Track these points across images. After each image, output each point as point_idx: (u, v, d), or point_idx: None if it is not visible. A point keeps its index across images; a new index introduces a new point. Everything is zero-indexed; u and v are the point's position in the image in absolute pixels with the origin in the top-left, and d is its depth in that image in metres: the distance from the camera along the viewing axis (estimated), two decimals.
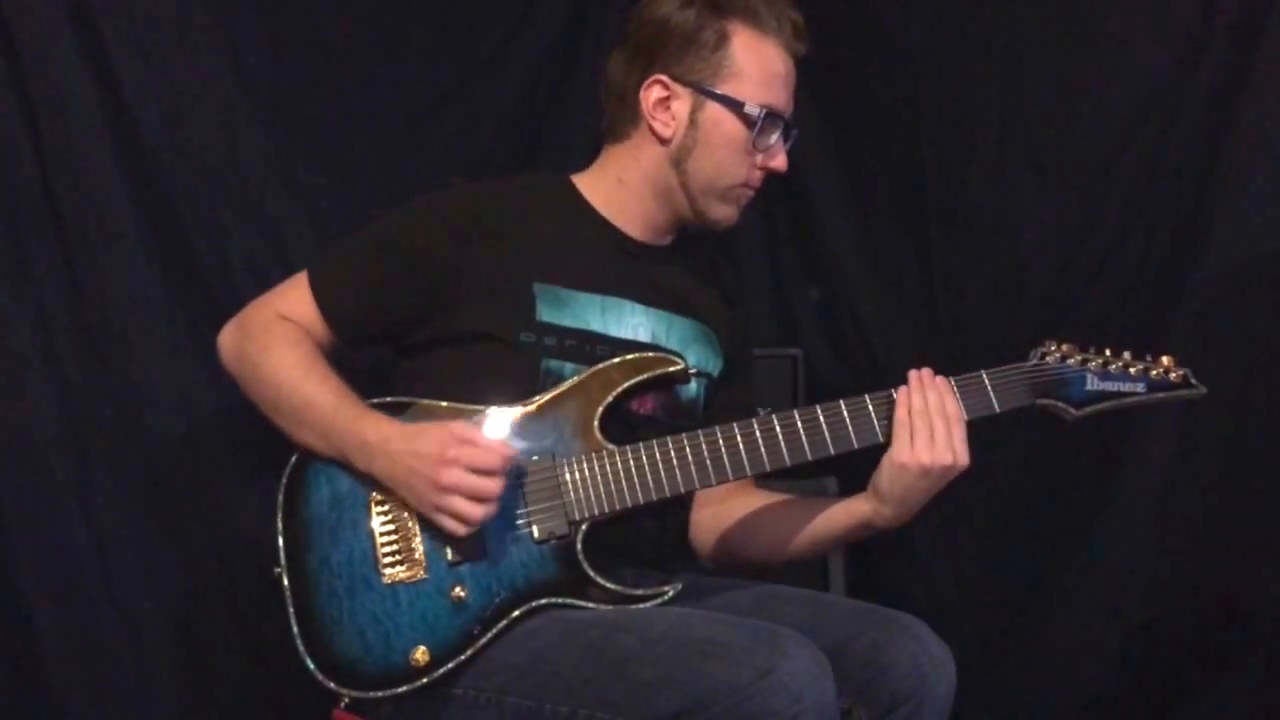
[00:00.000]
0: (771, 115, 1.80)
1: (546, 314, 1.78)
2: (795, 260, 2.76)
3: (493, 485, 1.63)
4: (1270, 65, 2.05)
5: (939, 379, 1.69)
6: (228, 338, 1.83)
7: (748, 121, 1.79)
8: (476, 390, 1.75)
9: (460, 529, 1.64)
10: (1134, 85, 2.22)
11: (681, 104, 1.81)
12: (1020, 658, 2.36)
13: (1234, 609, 2.15)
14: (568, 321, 1.79)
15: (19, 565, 2.04)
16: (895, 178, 2.58)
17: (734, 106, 1.79)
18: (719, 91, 1.79)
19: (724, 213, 1.86)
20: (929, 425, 1.66)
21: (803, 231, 2.73)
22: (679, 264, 1.92)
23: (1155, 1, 2.21)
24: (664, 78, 1.81)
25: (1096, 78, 2.27)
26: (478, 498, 1.62)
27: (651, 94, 1.82)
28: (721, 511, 1.91)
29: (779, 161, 1.84)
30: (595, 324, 1.80)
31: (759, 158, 1.82)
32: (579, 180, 1.91)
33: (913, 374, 1.70)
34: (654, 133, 1.83)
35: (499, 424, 1.72)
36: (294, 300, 1.82)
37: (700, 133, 1.81)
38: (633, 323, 1.84)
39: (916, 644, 1.64)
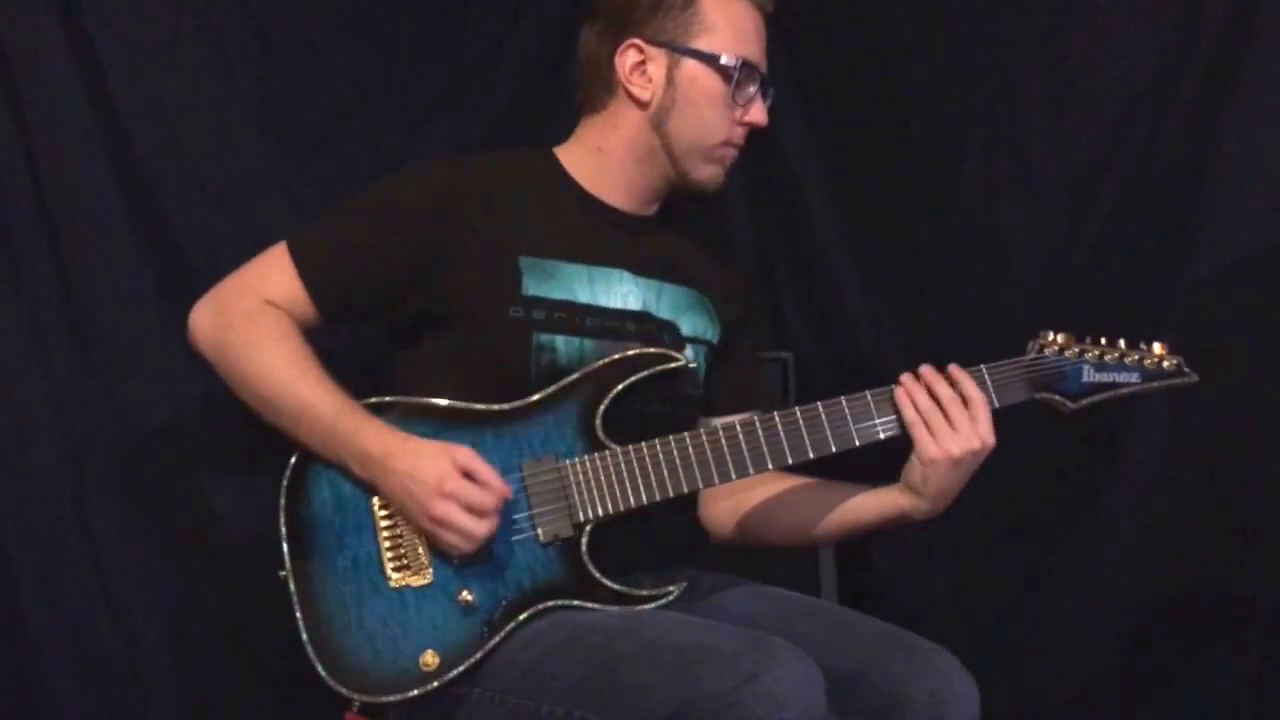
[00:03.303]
0: (747, 66, 1.81)
1: (533, 287, 1.78)
2: (785, 262, 2.76)
3: (480, 528, 1.63)
4: (1260, 63, 2.05)
5: (953, 368, 1.71)
6: (203, 320, 1.79)
7: (725, 74, 1.80)
8: (473, 375, 1.75)
9: (449, 552, 1.66)
10: (1124, 83, 2.22)
11: (657, 66, 1.82)
12: (1013, 658, 2.37)
13: (1229, 608, 2.16)
14: (556, 294, 1.79)
15: (14, 570, 2.03)
16: (885, 178, 2.58)
17: (710, 60, 1.80)
18: (693, 47, 1.80)
19: (709, 173, 1.86)
20: (946, 417, 1.67)
21: (792, 233, 2.73)
22: (666, 233, 1.92)
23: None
24: (638, 41, 1.82)
25: (1086, 75, 2.27)
26: (467, 537, 1.63)
27: (627, 59, 1.83)
28: (739, 491, 1.90)
29: (757, 114, 1.84)
30: (583, 295, 1.81)
31: (738, 113, 1.83)
32: (562, 153, 1.91)
33: (906, 376, 1.71)
34: (632, 97, 1.83)
35: (500, 428, 1.72)
36: (276, 278, 1.78)
37: (679, 91, 1.81)
38: (622, 291, 1.84)
39: (937, 679, 1.63)
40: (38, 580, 2.05)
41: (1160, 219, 2.20)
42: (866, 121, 2.60)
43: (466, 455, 1.65)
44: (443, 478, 1.62)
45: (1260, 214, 2.08)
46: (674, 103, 1.82)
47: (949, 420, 1.67)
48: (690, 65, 1.81)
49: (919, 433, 1.68)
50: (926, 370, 1.71)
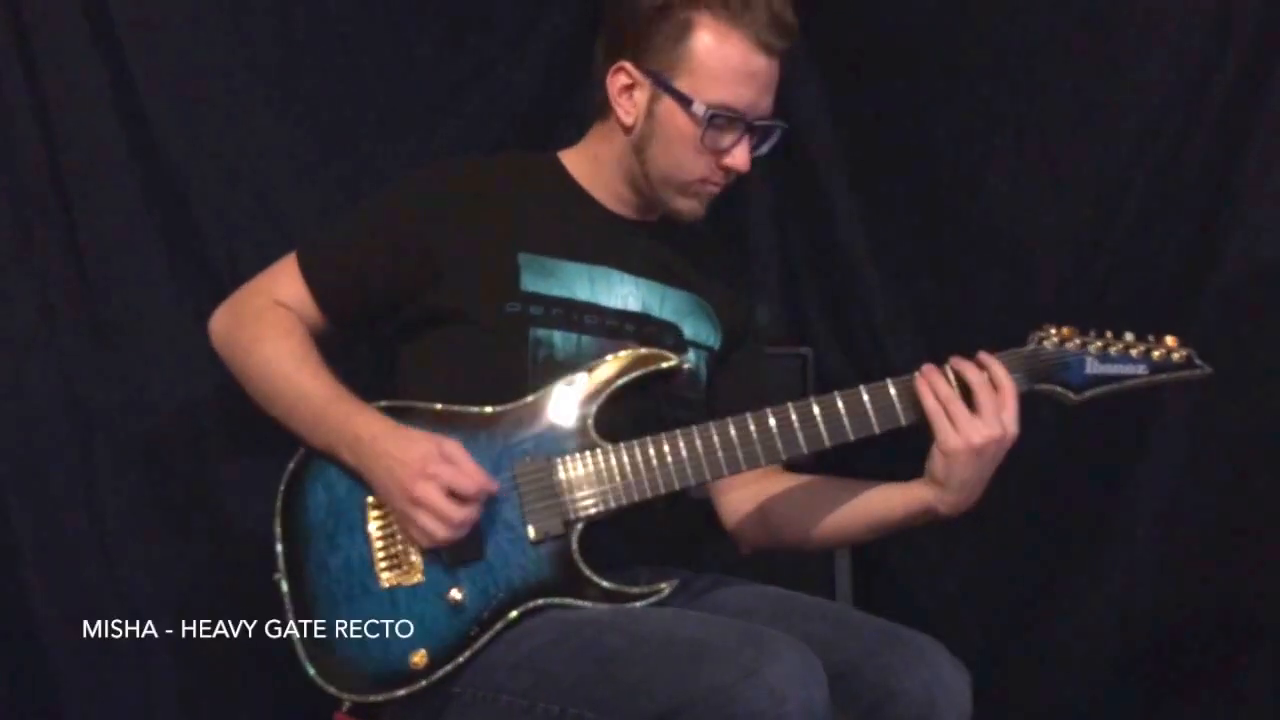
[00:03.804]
0: (721, 116, 1.74)
1: (531, 283, 1.78)
2: (806, 260, 2.75)
3: (458, 513, 1.62)
4: None
5: (983, 354, 1.68)
6: (220, 323, 1.84)
7: (695, 120, 1.75)
8: (471, 370, 1.76)
9: (423, 542, 1.65)
10: (1153, 86, 2.20)
11: (642, 93, 1.79)
12: (1027, 659, 2.34)
13: (1242, 611, 2.12)
14: (555, 291, 1.79)
15: (21, 555, 2.05)
16: (910, 179, 2.57)
17: (683, 103, 1.75)
18: (674, 86, 1.75)
19: (685, 205, 1.83)
20: (970, 403, 1.64)
21: (814, 231, 2.72)
22: (669, 238, 1.90)
23: (1172, 6, 2.18)
24: (627, 65, 1.79)
25: (1115, 79, 2.24)
26: (444, 520, 1.62)
27: (617, 80, 1.80)
28: (760, 492, 1.89)
29: (734, 161, 1.78)
30: (583, 293, 1.80)
31: (717, 155, 1.78)
32: (565, 156, 1.91)
33: (928, 366, 1.68)
34: (618, 119, 1.81)
35: (493, 429, 1.72)
36: (285, 283, 1.82)
37: (656, 125, 1.78)
38: (622, 292, 1.83)
39: (930, 671, 1.61)
40: (44, 561, 2.06)
41: (1187, 224, 2.17)
42: (891, 121, 2.59)
43: (454, 446, 1.65)
44: (426, 459, 1.63)
45: None
46: (652, 134, 1.78)
47: (973, 406, 1.64)
48: (669, 102, 1.75)
49: (940, 421, 1.64)
50: (954, 359, 1.68)
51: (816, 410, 1.70)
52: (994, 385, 1.66)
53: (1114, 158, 2.25)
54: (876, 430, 1.69)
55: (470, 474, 1.64)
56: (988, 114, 2.42)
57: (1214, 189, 2.12)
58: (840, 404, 1.70)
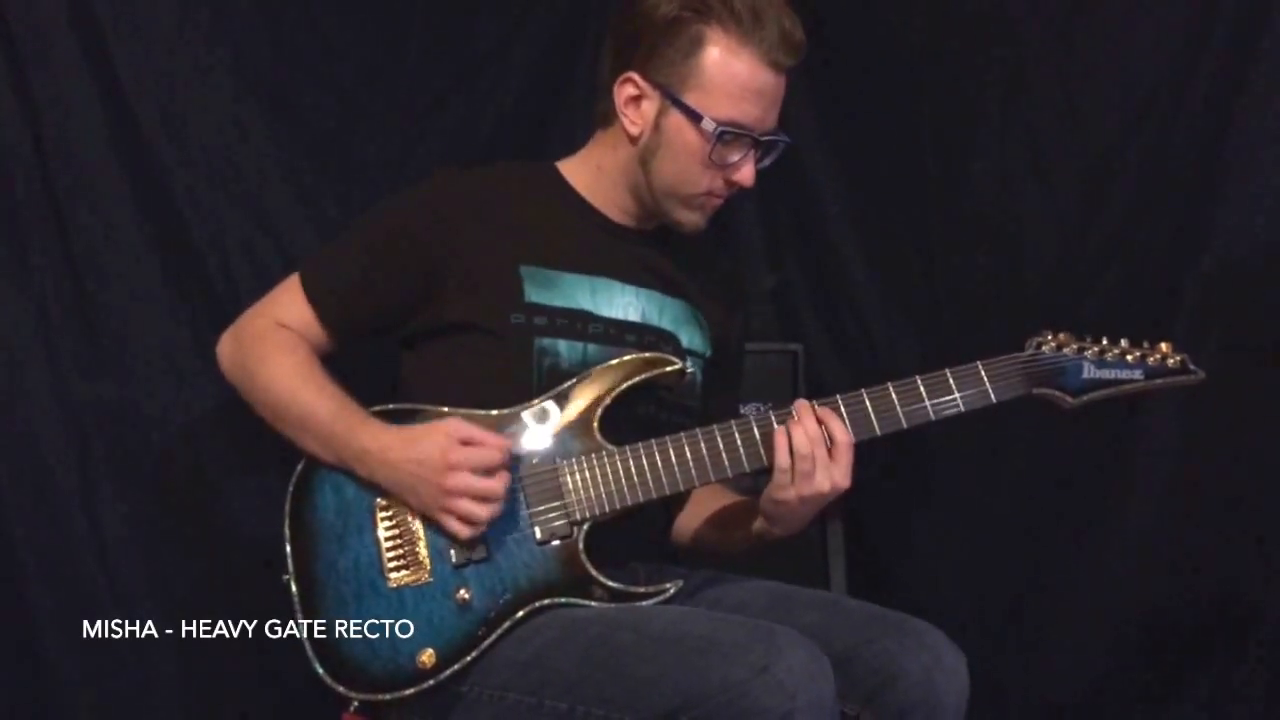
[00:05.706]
0: (730, 132, 1.76)
1: (534, 295, 1.80)
2: (796, 255, 2.76)
3: (497, 485, 1.66)
4: (1271, 62, 2.02)
5: (823, 410, 1.69)
6: (225, 347, 1.85)
7: (705, 136, 1.76)
8: (476, 380, 1.77)
9: (467, 531, 1.67)
10: (1135, 81, 2.21)
11: (650, 104, 1.80)
12: (1023, 653, 2.35)
13: (1239, 604, 2.13)
14: (558, 301, 1.80)
15: (20, 564, 2.05)
16: (897, 173, 2.57)
17: (693, 118, 1.76)
18: (683, 100, 1.76)
19: (687, 217, 1.85)
20: (809, 458, 1.66)
21: (803, 226, 2.73)
22: (668, 247, 1.92)
23: None
24: (635, 76, 1.80)
25: (1097, 74, 2.25)
26: (484, 498, 1.65)
27: (624, 91, 1.81)
28: (694, 510, 1.94)
29: (741, 176, 1.80)
30: (585, 304, 1.82)
31: (724, 170, 1.80)
32: (564, 166, 1.93)
33: (792, 412, 1.70)
34: (624, 129, 1.83)
35: (498, 429, 1.73)
36: (287, 303, 1.84)
37: (663, 137, 1.79)
38: (623, 302, 1.85)
39: (928, 653, 1.64)
40: (43, 569, 2.06)
41: (1174, 214, 2.17)
42: (878, 115, 2.59)
43: (455, 424, 1.68)
44: (444, 450, 1.65)
45: (1275, 209, 2.05)
46: (659, 146, 1.80)
47: (811, 461, 1.66)
48: (677, 115, 1.77)
49: (782, 477, 1.67)
50: (802, 405, 1.70)
51: (842, 405, 1.72)
52: (831, 440, 1.68)
53: (1100, 146, 2.26)
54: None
55: (487, 441, 1.67)
56: (971, 106, 2.42)
57: (1201, 175, 2.12)
58: (867, 401, 1.71)
